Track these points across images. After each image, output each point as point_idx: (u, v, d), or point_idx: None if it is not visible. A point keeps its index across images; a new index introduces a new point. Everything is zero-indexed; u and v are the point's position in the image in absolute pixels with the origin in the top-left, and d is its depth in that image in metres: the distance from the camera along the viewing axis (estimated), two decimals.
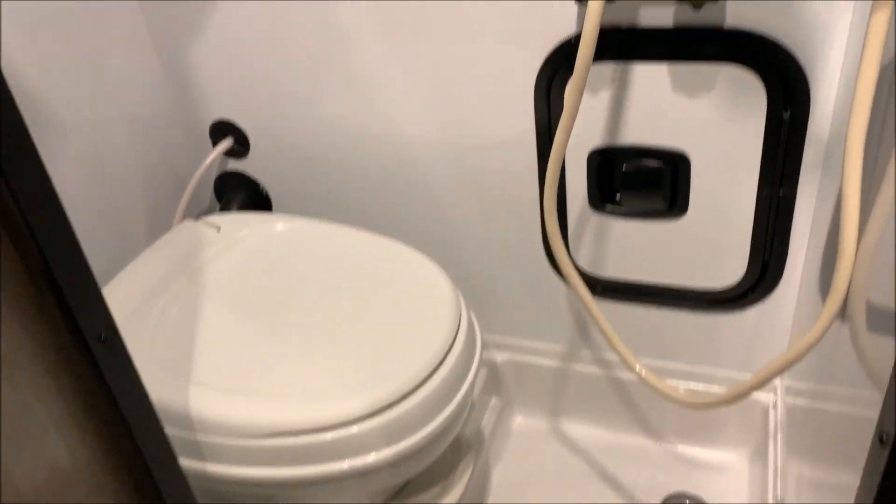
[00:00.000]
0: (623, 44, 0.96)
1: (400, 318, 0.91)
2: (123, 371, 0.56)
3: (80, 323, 0.51)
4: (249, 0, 1.09)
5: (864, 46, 0.64)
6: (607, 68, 0.98)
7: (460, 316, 0.91)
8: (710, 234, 1.07)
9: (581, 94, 0.82)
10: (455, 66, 1.05)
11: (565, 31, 0.97)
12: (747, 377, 0.97)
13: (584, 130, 1.03)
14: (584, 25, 0.77)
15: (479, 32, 1.01)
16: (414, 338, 0.87)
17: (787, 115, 0.93)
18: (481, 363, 0.94)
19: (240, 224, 1.08)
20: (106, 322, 0.54)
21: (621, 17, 0.94)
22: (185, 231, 1.08)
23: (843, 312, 0.75)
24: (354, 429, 0.79)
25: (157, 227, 1.25)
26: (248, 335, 0.90)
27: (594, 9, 0.76)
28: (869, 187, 0.75)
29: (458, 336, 0.88)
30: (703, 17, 0.91)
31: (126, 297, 0.96)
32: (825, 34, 0.88)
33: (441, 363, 0.85)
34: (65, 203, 0.49)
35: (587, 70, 0.80)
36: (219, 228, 1.07)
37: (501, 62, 1.02)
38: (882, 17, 0.61)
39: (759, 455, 1.18)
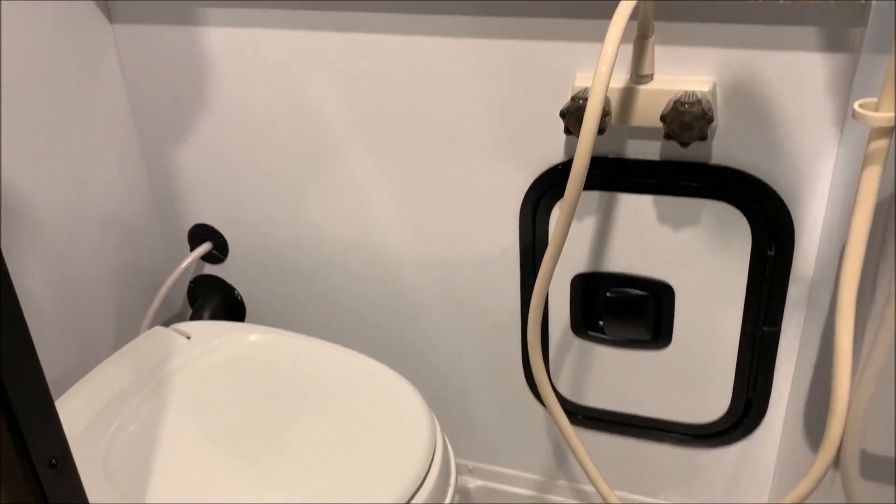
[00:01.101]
0: (610, 174, 0.97)
1: (373, 444, 0.86)
2: (72, 500, 0.51)
3: (31, 447, 0.47)
4: (237, 109, 1.10)
5: (855, 202, 0.64)
6: (594, 196, 0.99)
7: (435, 444, 0.87)
8: (693, 367, 1.05)
9: (569, 226, 0.81)
10: (441, 182, 1.05)
11: (554, 157, 0.98)
12: None
13: (569, 254, 1.03)
14: (575, 161, 0.78)
15: (467, 151, 1.02)
16: (387, 467, 0.82)
17: (771, 253, 0.94)
18: (456, 493, 0.89)
19: (212, 333, 1.04)
20: (58, 446, 0.50)
21: (609, 149, 0.96)
22: (154, 338, 1.04)
23: (835, 461, 0.73)
24: None
25: (126, 331, 1.21)
26: (210, 458, 0.84)
27: (585, 145, 0.76)
28: (859, 332, 0.74)
29: (433, 466, 0.84)
30: (689, 153, 0.92)
31: (83, 409, 0.90)
32: (809, 175, 0.89)
33: (414, 495, 0.80)
34: (29, 305, 0.46)
35: (576, 202, 0.80)
36: (189, 337, 1.03)
37: (488, 181, 1.03)
38: (873, 172, 0.61)
39: None
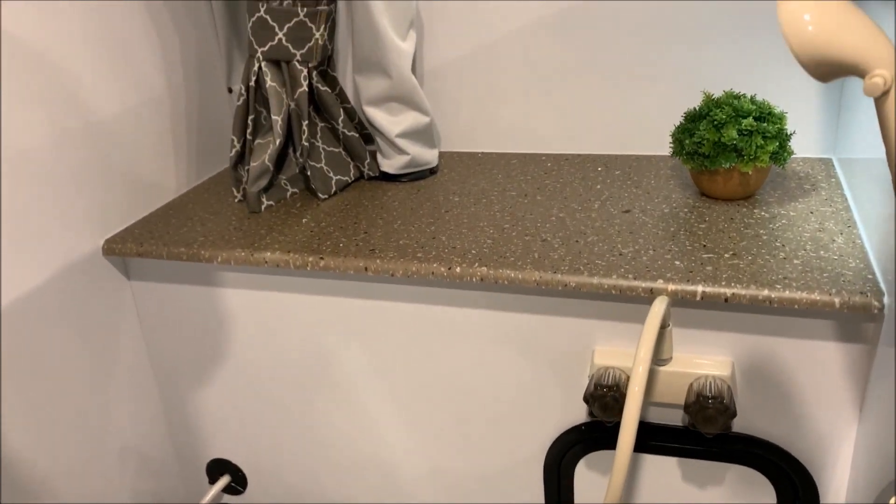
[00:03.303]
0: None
1: None
2: None
3: None
4: (254, 357, 1.10)
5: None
6: None
7: None
8: None
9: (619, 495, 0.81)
10: (462, 438, 1.06)
11: (576, 417, 0.99)
12: None
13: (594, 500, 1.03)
14: (615, 462, 0.78)
15: (490, 410, 1.02)
16: None
17: None
18: None
19: None
20: None
21: None
22: None
23: None
24: None
25: None
26: None
27: (622, 459, 0.77)
28: None
29: None
30: None
31: None
32: (831, 444, 0.90)
33: None
34: None
35: (619, 496, 0.80)
36: None
37: (511, 438, 1.03)
38: None
39: None
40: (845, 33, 0.46)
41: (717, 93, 1.14)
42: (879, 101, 0.46)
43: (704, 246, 0.91)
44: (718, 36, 1.11)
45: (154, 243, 1.04)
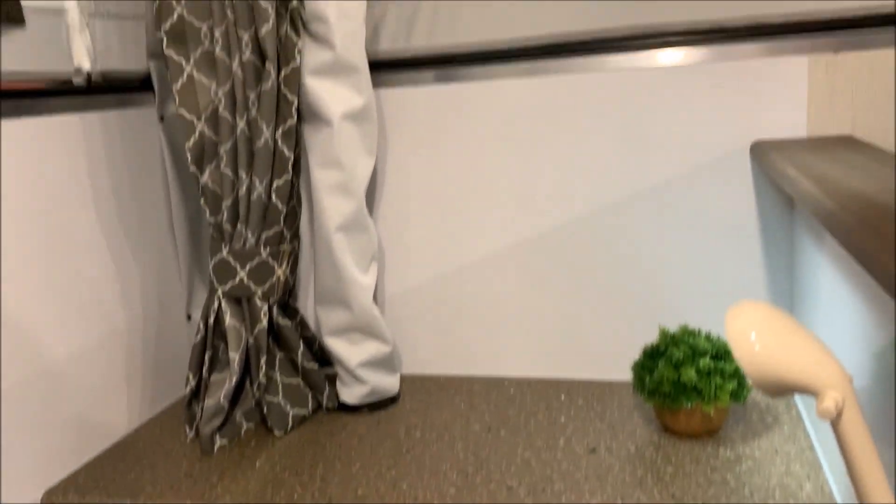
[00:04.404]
0: None
1: None
2: None
3: None
4: None
5: None
6: None
7: None
8: None
9: None
10: None
11: None
12: None
13: None
14: None
15: None
16: None
17: None
18: None
19: None
20: None
21: None
22: None
23: None
24: None
25: None
26: None
27: None
28: None
29: None
30: None
31: None
32: None
33: None
34: None
35: None
36: None
37: None
38: None
39: None
40: (792, 354, 0.47)
41: (675, 319, 1.16)
42: (835, 422, 0.46)
43: (673, 495, 0.88)
44: (674, 267, 1.15)
45: (98, 493, 0.98)
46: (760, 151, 1.02)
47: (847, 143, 0.97)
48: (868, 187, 0.65)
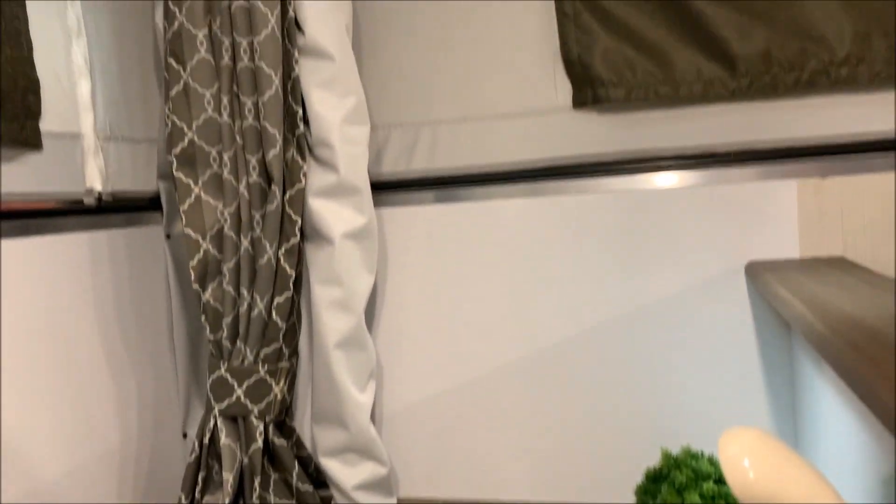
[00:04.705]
0: None
1: None
2: None
3: None
4: None
5: None
6: None
7: None
8: None
9: None
10: None
11: None
12: None
13: None
14: None
15: None
16: None
17: None
18: None
19: None
20: None
21: None
22: None
23: None
24: None
25: None
26: None
27: None
28: None
29: None
30: None
31: None
32: None
33: None
34: None
35: None
36: None
37: None
38: None
39: None
40: (787, 482, 0.46)
41: (676, 440, 1.14)
42: None
43: None
44: (674, 388, 1.14)
45: None
46: (755, 272, 1.03)
47: (839, 265, 0.99)
48: (865, 313, 0.65)
